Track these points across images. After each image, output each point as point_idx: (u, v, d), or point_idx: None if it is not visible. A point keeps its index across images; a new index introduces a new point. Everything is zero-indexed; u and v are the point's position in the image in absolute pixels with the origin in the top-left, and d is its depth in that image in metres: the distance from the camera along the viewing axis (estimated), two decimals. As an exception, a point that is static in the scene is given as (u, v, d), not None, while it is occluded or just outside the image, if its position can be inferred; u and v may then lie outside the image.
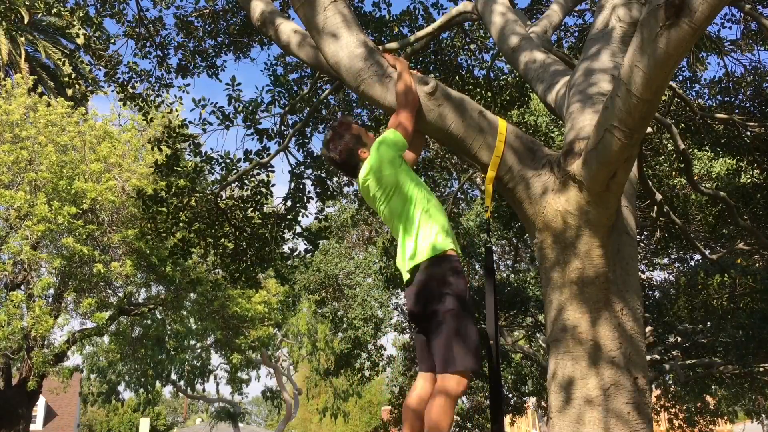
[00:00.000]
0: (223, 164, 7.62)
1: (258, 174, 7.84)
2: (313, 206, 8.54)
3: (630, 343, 2.65)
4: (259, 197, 7.91)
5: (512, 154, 2.89)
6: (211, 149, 8.13)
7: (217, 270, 10.01)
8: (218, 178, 7.88)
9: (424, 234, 2.80)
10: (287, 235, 8.45)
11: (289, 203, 8.15)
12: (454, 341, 2.64)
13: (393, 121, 2.93)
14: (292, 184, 8.08)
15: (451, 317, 2.67)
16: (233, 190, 9.06)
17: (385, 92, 3.04)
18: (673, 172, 10.50)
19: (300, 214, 8.18)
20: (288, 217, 8.15)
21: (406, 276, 2.87)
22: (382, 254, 13.10)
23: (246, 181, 7.96)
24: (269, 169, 7.76)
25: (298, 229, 8.42)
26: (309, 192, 8.19)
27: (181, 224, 7.93)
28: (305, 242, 8.74)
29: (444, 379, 2.64)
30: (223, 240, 8.08)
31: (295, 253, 9.31)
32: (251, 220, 8.04)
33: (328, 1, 3.19)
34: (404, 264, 2.86)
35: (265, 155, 7.60)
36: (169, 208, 7.80)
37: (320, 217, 9.16)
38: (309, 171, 8.18)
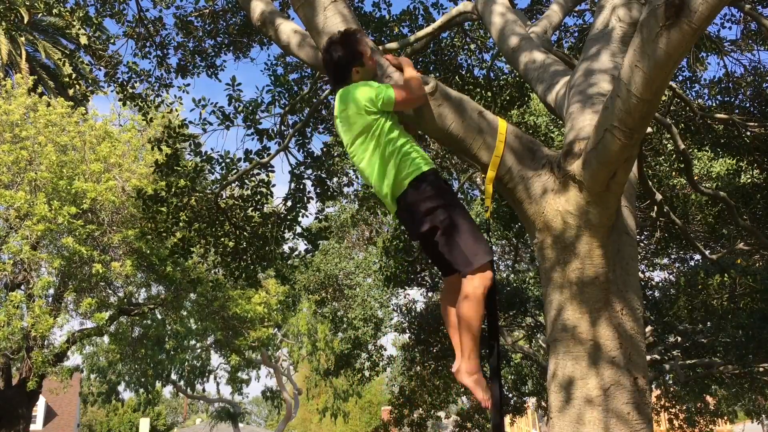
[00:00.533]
0: (223, 164, 7.62)
1: (258, 174, 7.84)
2: (313, 206, 8.55)
3: (630, 343, 2.65)
4: (259, 197, 7.91)
5: (512, 154, 2.89)
6: (211, 149, 8.13)
7: (217, 269, 10.02)
8: (218, 177, 7.88)
9: (399, 166, 2.90)
10: (287, 235, 8.47)
11: (289, 203, 8.15)
12: (461, 245, 2.80)
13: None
14: (292, 185, 8.08)
15: (448, 225, 2.82)
16: (233, 190, 9.06)
17: (385, 92, 3.03)
18: (673, 172, 10.50)
19: (300, 214, 8.19)
20: (288, 217, 8.15)
21: (393, 209, 3.00)
22: (382, 254, 13.08)
23: (246, 181, 7.97)
24: (269, 169, 7.76)
25: (299, 230, 8.42)
26: (309, 192, 8.20)
27: (181, 224, 7.93)
28: (305, 242, 8.75)
29: (467, 282, 2.80)
30: (223, 239, 8.09)
31: (295, 253, 9.31)
32: (251, 219, 8.05)
33: (328, 1, 3.19)
34: (390, 200, 2.97)
35: (265, 155, 7.60)
36: (169, 207, 7.80)
37: (320, 218, 9.17)
38: (309, 171, 8.19)
